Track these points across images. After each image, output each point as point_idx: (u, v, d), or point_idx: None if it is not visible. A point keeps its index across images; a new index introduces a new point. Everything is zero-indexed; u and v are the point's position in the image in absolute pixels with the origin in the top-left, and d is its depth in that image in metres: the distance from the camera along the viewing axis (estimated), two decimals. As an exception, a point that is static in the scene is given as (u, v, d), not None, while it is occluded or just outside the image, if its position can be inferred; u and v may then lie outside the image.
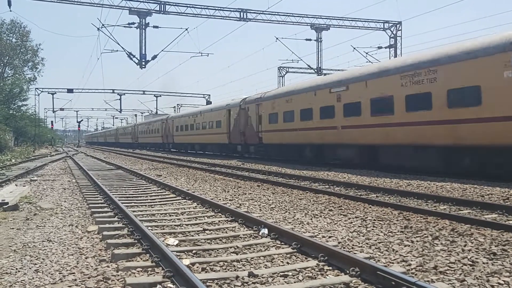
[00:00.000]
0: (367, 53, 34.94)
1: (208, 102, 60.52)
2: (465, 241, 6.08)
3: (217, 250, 5.91)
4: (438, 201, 9.56)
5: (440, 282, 4.47)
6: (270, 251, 5.80)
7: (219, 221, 7.96)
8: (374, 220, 7.81)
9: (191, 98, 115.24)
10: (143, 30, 29.13)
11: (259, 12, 31.34)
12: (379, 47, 35.34)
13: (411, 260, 5.23)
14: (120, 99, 66.26)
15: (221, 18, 30.80)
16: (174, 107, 78.55)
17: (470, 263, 5.07)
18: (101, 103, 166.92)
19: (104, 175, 17.83)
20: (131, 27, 29.38)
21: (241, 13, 30.75)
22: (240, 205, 9.84)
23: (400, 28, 34.87)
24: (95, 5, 28.50)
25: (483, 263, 5.06)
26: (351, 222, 7.68)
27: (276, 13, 32.07)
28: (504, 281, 4.44)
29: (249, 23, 32.26)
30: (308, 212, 8.83)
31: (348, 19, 34.58)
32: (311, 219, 8.06)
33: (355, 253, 5.48)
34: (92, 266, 5.33)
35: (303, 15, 33.65)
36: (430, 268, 4.91)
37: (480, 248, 5.69)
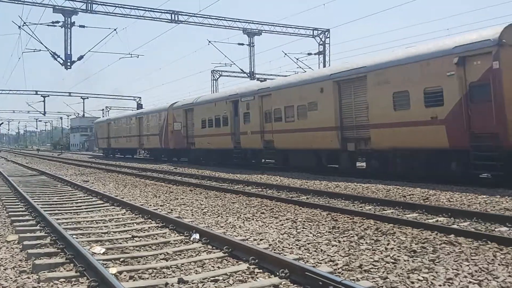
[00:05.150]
0: (297, 59, 35.79)
1: (139, 105, 58.99)
2: (388, 240, 6.38)
3: (146, 258, 5.77)
4: (364, 202, 9.96)
5: (364, 280, 4.65)
6: (201, 256, 5.75)
7: (149, 227, 7.78)
8: (304, 221, 7.98)
9: (121, 101, 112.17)
10: (68, 30, 27.88)
11: (190, 14, 31.10)
12: (309, 54, 36.30)
13: (338, 260, 5.40)
14: (44, 101, 63.10)
15: (151, 19, 30.16)
16: (103, 109, 76.09)
17: (393, 261, 5.32)
18: (23, 105, 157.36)
19: (26, 182, 16.81)
20: (55, 26, 28.02)
21: (172, 15, 30.33)
22: (172, 210, 9.68)
23: (328, 36, 36.02)
24: (16, 1, 26.88)
25: (404, 260, 5.33)
26: (282, 224, 7.80)
27: (208, 17, 31.96)
28: (423, 277, 4.70)
29: (181, 25, 31.91)
30: (240, 215, 8.86)
31: (279, 25, 35.21)
32: (243, 223, 8.10)
33: (285, 255, 5.58)
34: (11, 278, 5.04)
35: (235, 20, 33.81)
36: (355, 267, 5.10)
37: (402, 246, 5.99)
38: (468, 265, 5.03)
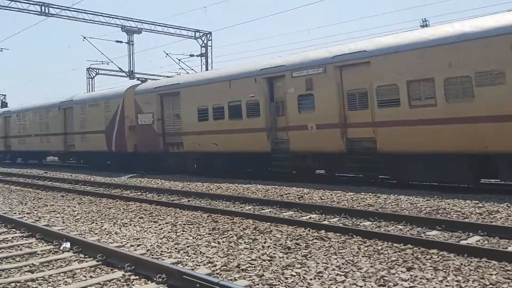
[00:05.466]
0: (180, 60, 35.40)
1: (4, 104, 53.60)
2: (265, 238, 6.59)
3: (9, 270, 5.27)
4: (244, 202, 10.20)
5: (242, 279, 4.74)
6: (71, 266, 5.39)
7: (12, 237, 7.10)
8: (184, 224, 7.91)
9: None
10: None
11: (63, 7, 29.07)
12: (191, 55, 36.16)
13: (217, 261, 5.44)
14: None
15: (18, 11, 27.56)
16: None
17: (269, 258, 5.51)
18: None
19: None
20: None
21: (42, 7, 28.05)
22: (40, 218, 8.94)
23: (210, 38, 36.30)
24: None
25: (280, 257, 5.55)
26: (162, 228, 7.64)
27: (83, 11, 30.17)
28: (296, 272, 4.94)
29: (53, 19, 29.61)
30: (117, 221, 8.49)
31: (160, 24, 34.57)
32: (120, 229, 7.77)
33: (163, 259, 5.47)
34: None
35: (113, 16, 32.30)
36: (233, 267, 5.18)
37: (278, 244, 6.24)
38: (336, 259, 5.41)
